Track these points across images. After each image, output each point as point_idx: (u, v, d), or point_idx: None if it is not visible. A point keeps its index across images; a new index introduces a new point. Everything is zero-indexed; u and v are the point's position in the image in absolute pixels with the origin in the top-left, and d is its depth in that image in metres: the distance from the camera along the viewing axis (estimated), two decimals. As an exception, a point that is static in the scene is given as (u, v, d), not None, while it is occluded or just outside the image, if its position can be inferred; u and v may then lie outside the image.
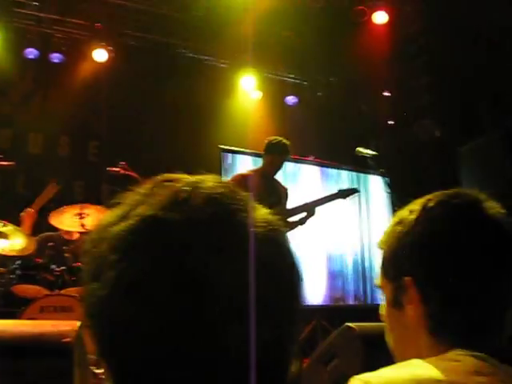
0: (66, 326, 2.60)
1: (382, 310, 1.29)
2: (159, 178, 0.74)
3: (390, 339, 1.29)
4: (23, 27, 8.20)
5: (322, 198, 6.15)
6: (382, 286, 1.27)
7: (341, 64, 8.98)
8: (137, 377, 0.64)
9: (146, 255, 0.64)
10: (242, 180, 5.32)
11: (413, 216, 1.23)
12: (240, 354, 0.62)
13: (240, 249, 0.65)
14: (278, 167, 5.94)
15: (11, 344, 2.49)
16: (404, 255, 1.20)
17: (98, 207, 5.75)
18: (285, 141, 5.93)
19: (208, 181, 0.72)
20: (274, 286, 0.67)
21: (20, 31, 8.15)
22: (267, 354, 0.66)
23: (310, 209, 5.92)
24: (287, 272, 0.70)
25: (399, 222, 1.25)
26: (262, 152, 6.00)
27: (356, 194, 6.51)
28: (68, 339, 2.53)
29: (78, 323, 2.71)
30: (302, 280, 0.72)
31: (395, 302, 1.22)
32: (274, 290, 0.67)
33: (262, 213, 0.72)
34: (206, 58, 8.99)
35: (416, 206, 1.26)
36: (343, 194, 6.23)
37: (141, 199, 0.70)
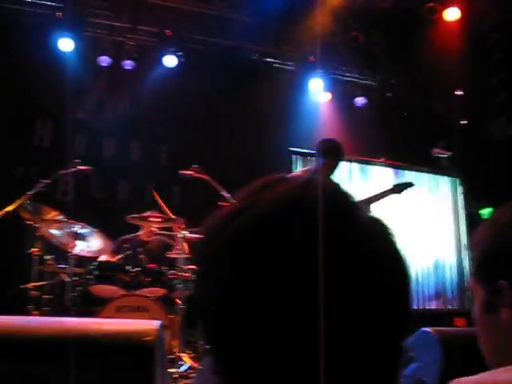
0: (147, 325, 2.64)
1: (475, 314, 1.24)
2: (270, 176, 0.74)
3: (482, 344, 1.23)
4: (96, 36, 8.46)
5: (377, 195, 5.96)
6: (473, 289, 1.22)
7: (411, 63, 8.81)
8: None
9: (265, 252, 0.63)
10: None
11: (507, 217, 1.17)
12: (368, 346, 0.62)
13: (359, 244, 0.65)
14: (334, 168, 5.63)
15: (94, 342, 2.55)
16: (499, 258, 1.15)
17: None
18: (338, 141, 5.69)
19: (318, 179, 0.71)
20: (390, 284, 0.66)
21: (93, 40, 8.41)
22: (384, 350, 0.65)
23: (365, 206, 5.74)
24: (399, 268, 0.69)
25: (493, 224, 1.20)
26: (316, 153, 5.72)
27: (411, 188, 6.28)
28: (149, 338, 2.57)
29: (159, 323, 2.75)
30: (410, 277, 0.71)
31: (489, 306, 1.17)
32: (391, 288, 0.66)
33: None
34: (274, 60, 9.01)
35: (509, 207, 1.20)
36: (399, 188, 6.06)
37: (256, 196, 0.70)
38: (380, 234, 0.69)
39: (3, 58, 7.93)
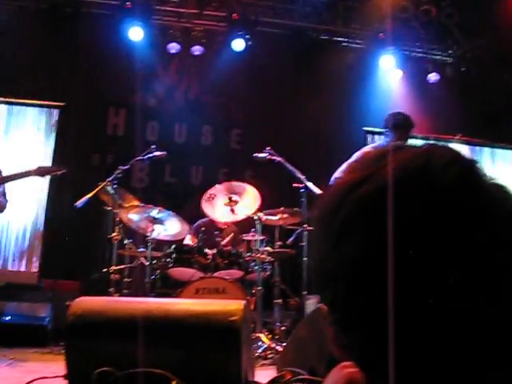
0: (233, 305, 2.67)
1: None
2: (390, 145, 0.73)
3: None
4: (165, 23, 8.55)
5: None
6: None
7: (486, 35, 8.46)
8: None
9: (395, 216, 0.62)
10: None
11: None
12: None
13: (487, 212, 0.63)
14: (404, 143, 5.41)
15: (182, 321, 2.60)
16: None
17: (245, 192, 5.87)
18: (407, 114, 5.45)
19: (439, 146, 0.70)
20: None
21: (162, 27, 8.51)
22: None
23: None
24: None
25: None
26: (385, 128, 5.39)
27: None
28: (235, 317, 2.60)
29: (244, 302, 2.78)
30: None
31: None
32: None
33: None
34: (343, 39, 8.86)
35: None
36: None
37: (378, 165, 0.68)
38: (506, 202, 0.66)
39: (76, 50, 8.16)
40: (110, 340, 2.64)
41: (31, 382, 2.93)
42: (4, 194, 5.26)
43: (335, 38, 8.83)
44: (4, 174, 5.33)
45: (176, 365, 2.57)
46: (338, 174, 4.65)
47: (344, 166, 4.70)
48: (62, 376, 2.79)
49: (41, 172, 5.21)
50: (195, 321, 2.58)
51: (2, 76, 7.92)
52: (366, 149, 5.15)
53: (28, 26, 8.04)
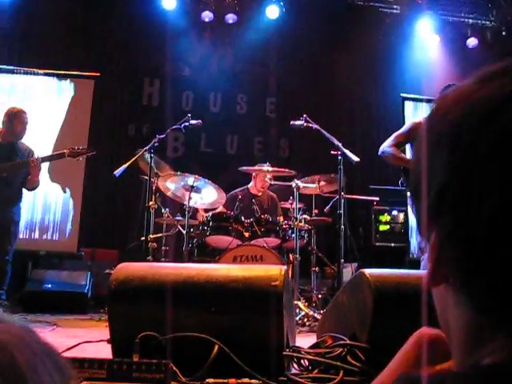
0: (274, 270, 2.66)
1: None
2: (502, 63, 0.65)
3: None
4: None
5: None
6: None
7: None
8: None
9: None
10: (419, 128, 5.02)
11: None
12: None
13: None
14: None
15: (224, 286, 2.60)
16: None
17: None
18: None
19: None
20: None
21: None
22: None
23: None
24: None
25: None
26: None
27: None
28: (277, 282, 2.59)
29: (284, 267, 2.77)
30: None
31: None
32: None
33: None
34: (379, 4, 8.65)
35: None
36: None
37: (493, 75, 0.62)
38: None
39: (110, 21, 8.15)
40: (152, 305, 2.66)
41: (76, 345, 2.98)
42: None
43: (371, 4, 8.64)
44: (37, 154, 5.60)
45: (218, 329, 2.58)
46: (387, 144, 4.58)
47: (392, 137, 4.64)
48: (105, 340, 2.83)
49: (73, 154, 5.51)
50: (237, 286, 2.58)
51: (39, 49, 7.99)
52: (417, 120, 5.05)
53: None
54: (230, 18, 8.37)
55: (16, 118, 5.57)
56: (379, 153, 4.61)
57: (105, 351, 2.77)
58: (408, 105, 8.07)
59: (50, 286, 6.53)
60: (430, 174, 0.61)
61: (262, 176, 6.01)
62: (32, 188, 5.71)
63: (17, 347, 0.53)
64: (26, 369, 0.52)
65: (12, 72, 7.85)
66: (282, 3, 8.20)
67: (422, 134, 0.64)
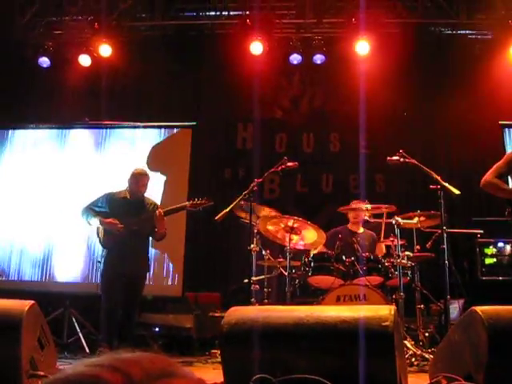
0: (384, 309, 2.66)
1: None
2: None
3: None
4: (285, 36, 8.67)
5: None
6: None
7: None
8: None
9: None
10: None
11: None
12: None
13: None
14: None
15: (334, 327, 2.62)
16: None
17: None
18: None
19: None
20: None
21: (282, 40, 8.64)
22: None
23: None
24: None
25: None
26: None
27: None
28: (387, 323, 2.58)
29: (393, 307, 2.75)
30: None
31: None
32: None
33: None
34: (469, 32, 8.50)
35: None
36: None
37: None
38: None
39: (201, 71, 8.50)
40: (265, 347, 2.72)
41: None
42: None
43: (459, 32, 8.50)
44: (162, 207, 6.06)
45: (330, 371, 2.59)
46: (489, 176, 4.50)
47: (494, 168, 4.55)
48: (219, 383, 2.90)
49: (194, 205, 5.97)
50: (347, 326, 2.59)
51: (135, 102, 8.47)
52: None
53: (154, 52, 8.50)
54: (318, 58, 8.48)
55: (139, 181, 6.05)
56: (481, 185, 4.51)
57: (219, 394, 2.84)
58: (507, 131, 7.81)
59: (157, 329, 6.75)
60: None
61: (359, 213, 6.01)
62: (160, 238, 6.12)
63: None
64: None
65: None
66: (369, 40, 8.21)
67: None
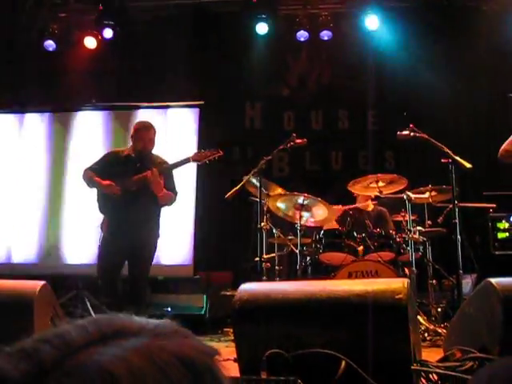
0: (397, 283, 2.64)
1: None
2: None
3: None
4: (291, 13, 8.56)
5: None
6: None
7: None
8: None
9: None
10: None
11: None
12: None
13: None
14: None
15: (348, 301, 2.61)
16: None
17: (389, 175, 5.78)
18: None
19: None
20: None
21: (288, 17, 8.54)
22: None
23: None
24: None
25: None
26: None
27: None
28: (401, 295, 2.56)
29: (407, 281, 2.73)
30: None
31: None
32: None
33: None
34: (479, 3, 8.33)
35: None
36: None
37: None
38: None
39: (208, 51, 8.43)
40: (278, 323, 2.71)
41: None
42: (171, 189, 5.26)
43: (471, 3, 8.34)
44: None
45: (344, 345, 2.59)
46: (507, 145, 4.48)
47: (510, 139, 4.52)
48: (232, 359, 2.90)
49: (198, 157, 5.21)
50: (360, 300, 2.58)
51: (142, 82, 8.44)
52: None
53: (158, 33, 8.46)
54: (325, 34, 8.37)
55: (144, 135, 5.27)
56: (499, 155, 4.48)
57: (232, 370, 2.84)
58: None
59: (170, 309, 6.77)
60: None
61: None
62: (163, 204, 5.28)
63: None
64: None
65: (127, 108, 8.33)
66: (378, 13, 8.07)
67: None
